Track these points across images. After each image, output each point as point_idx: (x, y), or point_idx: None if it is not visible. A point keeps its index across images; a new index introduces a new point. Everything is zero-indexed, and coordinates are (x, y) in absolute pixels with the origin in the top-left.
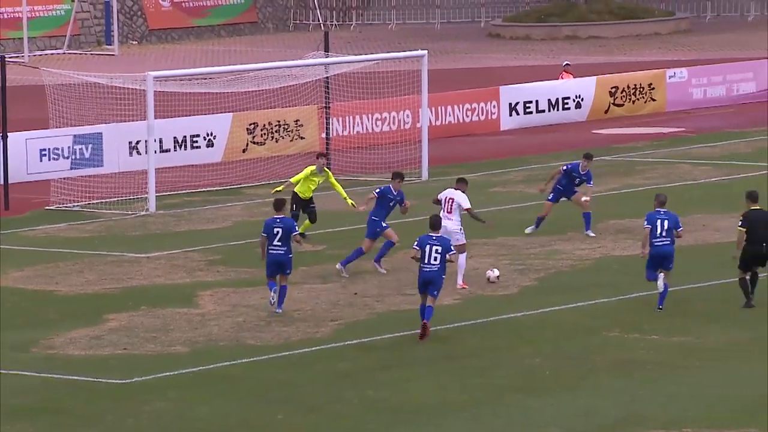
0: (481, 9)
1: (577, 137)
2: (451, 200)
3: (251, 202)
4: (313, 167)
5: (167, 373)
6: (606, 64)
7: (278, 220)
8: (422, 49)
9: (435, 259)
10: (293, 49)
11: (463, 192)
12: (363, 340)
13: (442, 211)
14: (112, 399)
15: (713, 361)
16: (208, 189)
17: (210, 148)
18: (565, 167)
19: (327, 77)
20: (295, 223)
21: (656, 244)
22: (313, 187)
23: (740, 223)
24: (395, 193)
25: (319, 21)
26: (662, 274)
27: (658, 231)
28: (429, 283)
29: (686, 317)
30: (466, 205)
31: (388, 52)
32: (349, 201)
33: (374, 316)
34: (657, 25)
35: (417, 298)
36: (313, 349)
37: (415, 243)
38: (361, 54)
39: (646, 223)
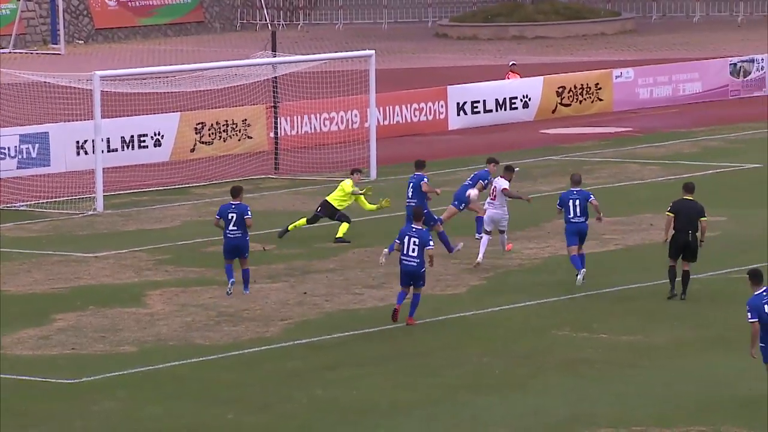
0: (428, 9)
1: (525, 137)
2: (494, 188)
3: (199, 201)
4: (351, 182)
5: (116, 373)
6: (553, 64)
7: (233, 206)
8: (369, 49)
9: (413, 251)
10: (240, 48)
11: (508, 179)
12: (312, 340)
13: (488, 197)
14: (60, 399)
15: (661, 359)
16: (156, 188)
17: (158, 148)
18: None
19: (275, 77)
20: (249, 208)
21: (573, 221)
22: (343, 198)
23: (669, 208)
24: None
25: (266, 20)
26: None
27: (572, 211)
28: (411, 277)
29: (634, 316)
30: (503, 185)
31: (336, 51)
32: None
33: (324, 315)
34: (603, 26)
35: (365, 297)
36: (263, 348)
37: (397, 236)
38: (308, 54)
39: (558, 203)
